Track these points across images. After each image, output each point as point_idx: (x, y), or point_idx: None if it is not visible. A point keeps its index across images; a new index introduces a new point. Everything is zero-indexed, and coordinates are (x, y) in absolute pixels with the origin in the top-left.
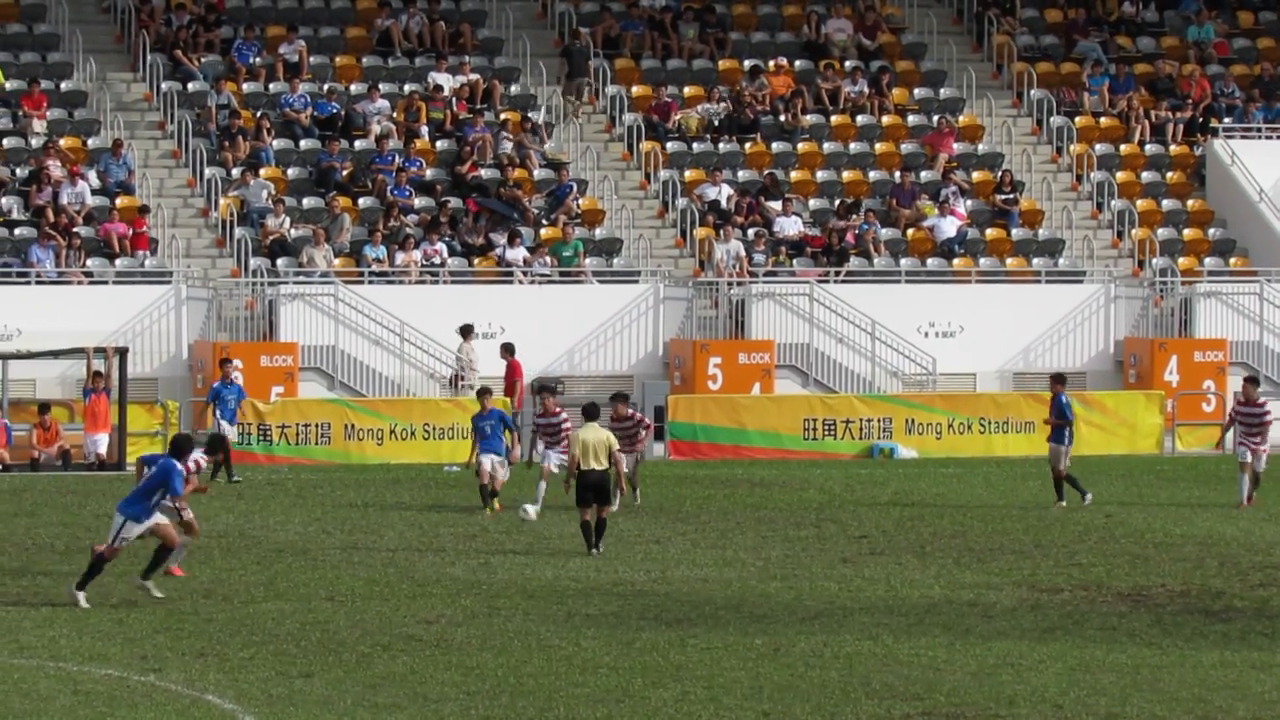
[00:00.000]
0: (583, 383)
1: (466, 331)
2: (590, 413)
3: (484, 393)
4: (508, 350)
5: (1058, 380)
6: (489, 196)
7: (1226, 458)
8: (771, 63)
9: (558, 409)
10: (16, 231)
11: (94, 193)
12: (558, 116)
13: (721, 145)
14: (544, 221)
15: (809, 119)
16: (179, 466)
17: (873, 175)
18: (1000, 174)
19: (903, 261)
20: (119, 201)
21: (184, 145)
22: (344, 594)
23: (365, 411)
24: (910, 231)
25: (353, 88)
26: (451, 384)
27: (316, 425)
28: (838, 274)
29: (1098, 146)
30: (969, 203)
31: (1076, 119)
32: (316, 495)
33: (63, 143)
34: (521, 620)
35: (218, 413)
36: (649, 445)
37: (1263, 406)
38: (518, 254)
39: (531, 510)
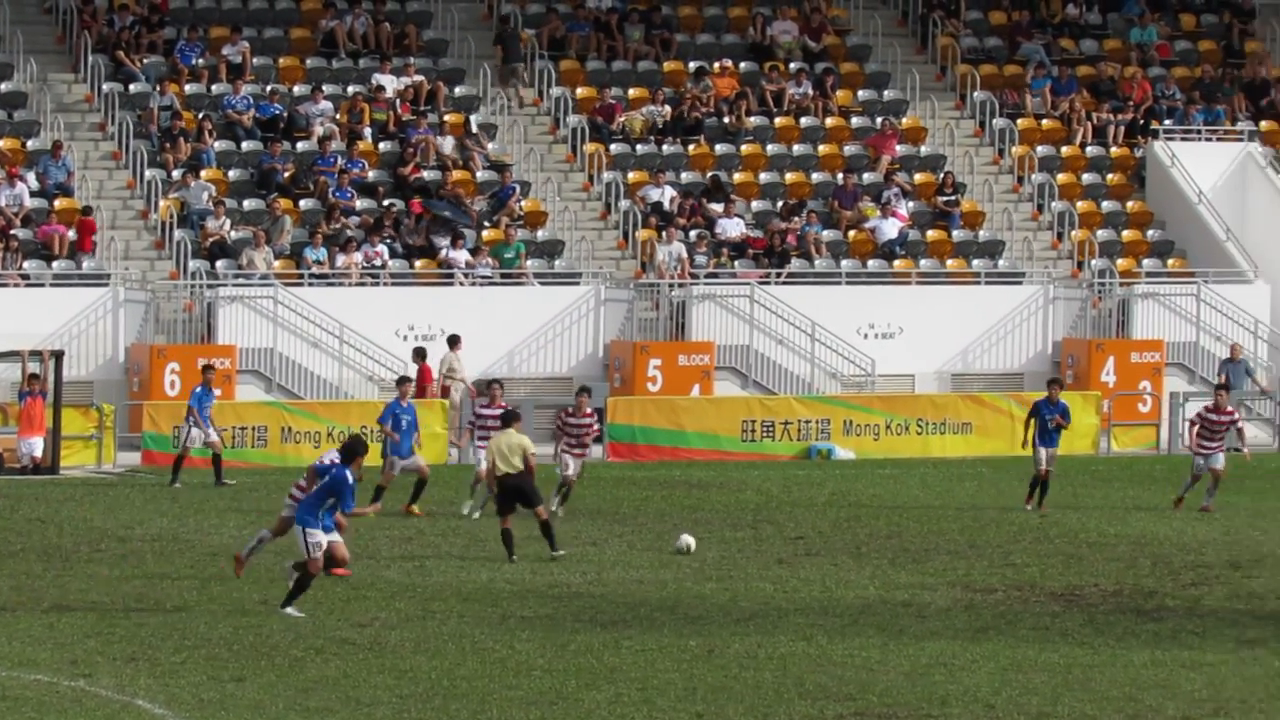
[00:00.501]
0: (522, 385)
1: (454, 341)
2: (507, 419)
3: (404, 381)
4: (419, 355)
5: (1058, 383)
6: (432, 198)
7: (1162, 458)
8: (716, 64)
9: (504, 404)
10: None
11: (32, 195)
12: (500, 110)
13: (665, 147)
14: (486, 223)
15: (753, 121)
16: (350, 479)
17: (815, 177)
18: (942, 176)
19: (844, 263)
20: (57, 203)
21: (124, 147)
22: (278, 598)
23: (302, 414)
24: (852, 233)
25: (296, 89)
26: (442, 392)
27: (253, 428)
28: (779, 275)
29: (1039, 148)
30: (911, 204)
31: (1018, 121)
32: (252, 498)
33: (1, 144)
34: (456, 623)
35: (190, 419)
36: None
37: (1231, 415)
38: (459, 256)
39: (468, 508)
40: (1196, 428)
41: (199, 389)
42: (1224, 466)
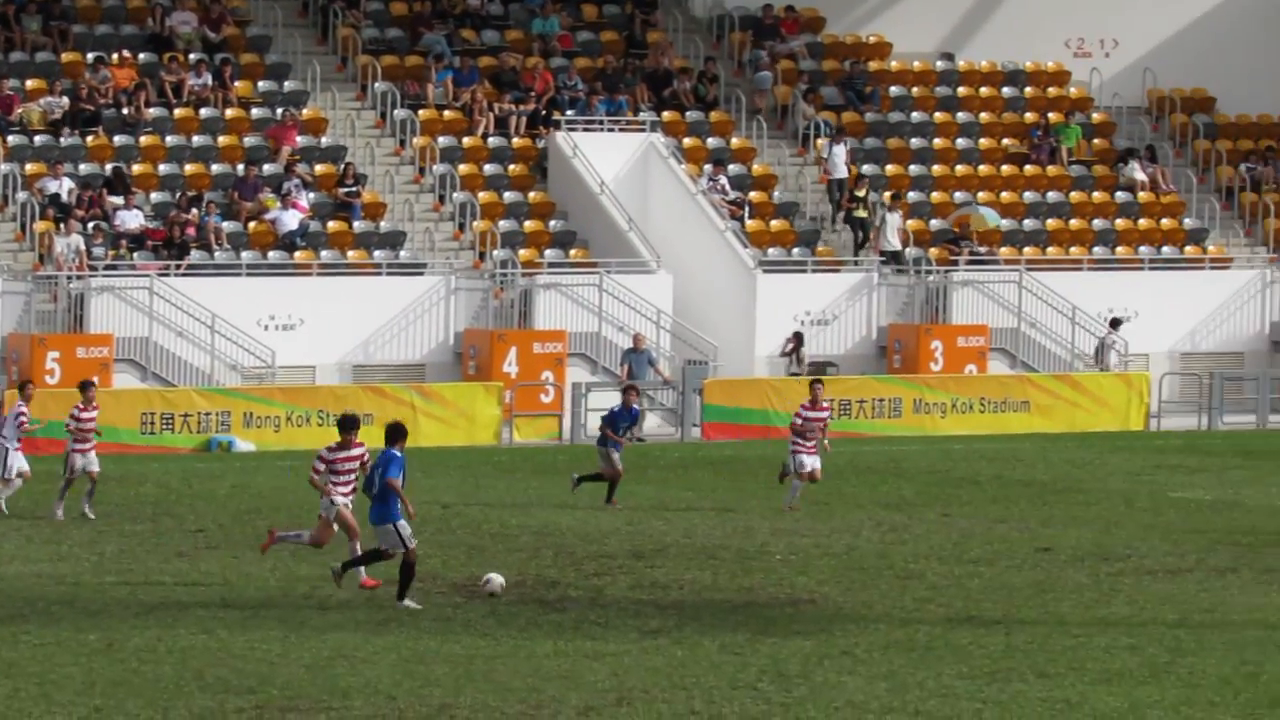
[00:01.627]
0: None
1: None
2: None
3: None
4: None
5: (635, 390)
6: None
7: (565, 448)
8: (115, 55)
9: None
10: None
11: None
12: None
13: (63, 139)
14: None
15: (152, 112)
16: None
17: (215, 168)
18: (343, 167)
19: (244, 254)
20: None
21: None
22: None
23: None
24: (252, 224)
25: None
26: None
27: None
28: (178, 267)
29: (441, 139)
30: (311, 195)
31: (420, 112)
32: None
33: None
34: None
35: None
36: None
37: (827, 410)
38: None
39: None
40: (796, 424)
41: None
42: (820, 468)
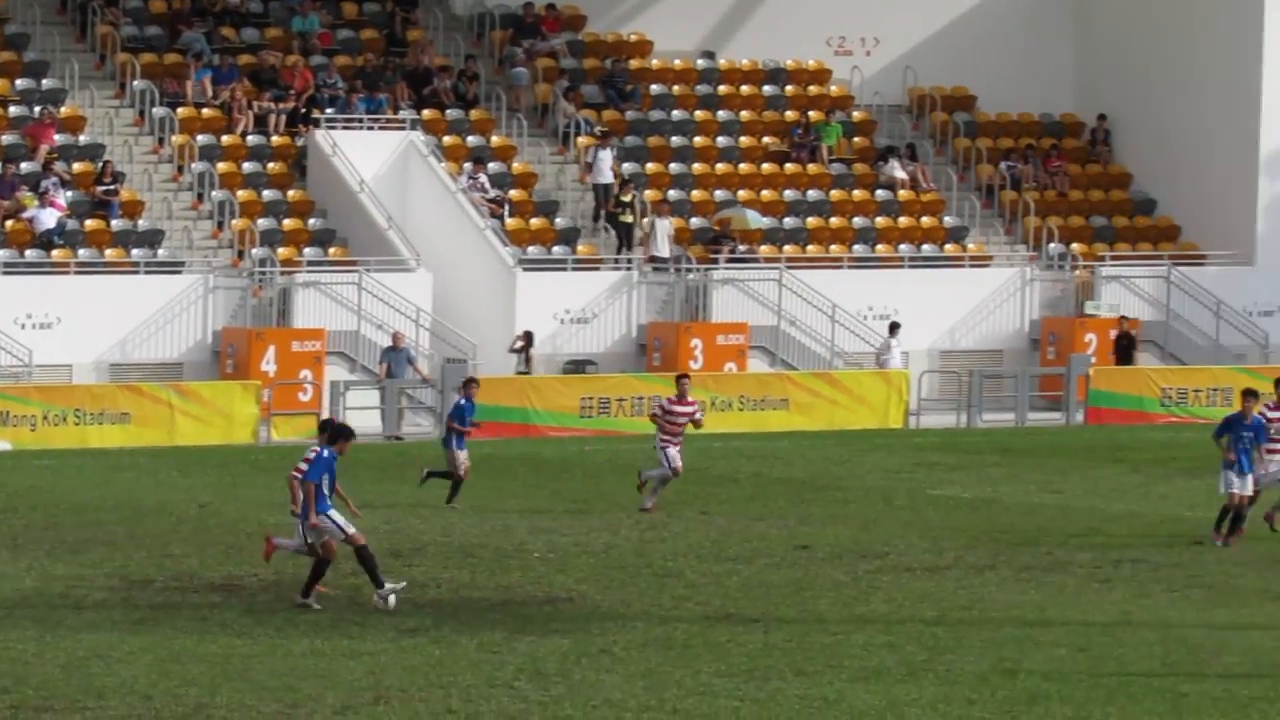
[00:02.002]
0: None
1: None
2: None
3: None
4: None
5: (475, 383)
6: None
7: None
8: None
9: None
10: None
11: None
12: None
13: None
14: None
15: None
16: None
17: None
18: (102, 165)
19: (0, 253)
20: None
21: None
22: None
23: None
24: (9, 223)
25: None
26: None
27: None
28: None
29: (200, 137)
30: (69, 194)
31: (179, 110)
32: None
33: None
34: None
35: None
36: None
37: (693, 404)
38: None
39: None
40: (659, 419)
41: None
42: (682, 464)
